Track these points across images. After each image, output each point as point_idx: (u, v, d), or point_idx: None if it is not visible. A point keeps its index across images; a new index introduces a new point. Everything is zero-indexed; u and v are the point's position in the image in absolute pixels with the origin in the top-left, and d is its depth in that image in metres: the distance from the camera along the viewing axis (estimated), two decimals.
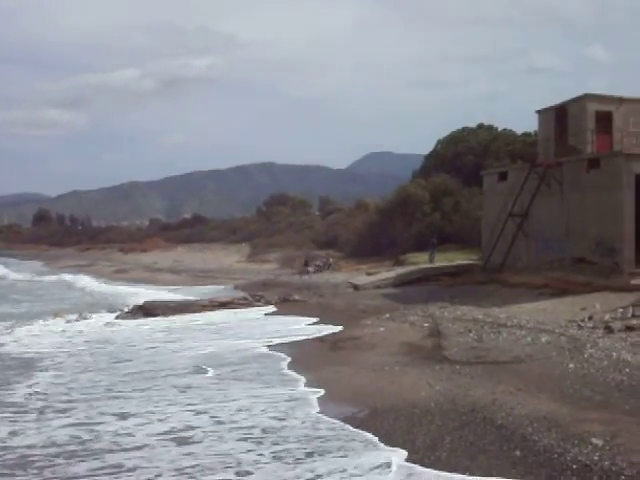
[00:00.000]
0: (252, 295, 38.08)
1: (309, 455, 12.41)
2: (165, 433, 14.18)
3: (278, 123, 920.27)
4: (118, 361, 22.52)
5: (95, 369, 21.27)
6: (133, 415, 15.70)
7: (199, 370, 20.44)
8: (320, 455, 12.39)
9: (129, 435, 14.13)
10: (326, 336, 25.11)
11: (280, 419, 14.79)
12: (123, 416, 15.61)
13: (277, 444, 13.12)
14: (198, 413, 15.56)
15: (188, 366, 21.08)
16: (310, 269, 51.55)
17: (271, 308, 34.62)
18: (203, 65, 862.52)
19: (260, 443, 13.23)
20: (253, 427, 14.27)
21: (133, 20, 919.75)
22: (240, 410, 15.67)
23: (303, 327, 28.02)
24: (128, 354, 23.78)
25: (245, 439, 13.54)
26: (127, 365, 21.83)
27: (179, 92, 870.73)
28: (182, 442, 13.55)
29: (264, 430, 14.02)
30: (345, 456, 12.28)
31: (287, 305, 35.02)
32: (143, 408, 16.28)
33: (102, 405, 16.68)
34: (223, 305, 35.18)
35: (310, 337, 25.25)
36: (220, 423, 14.75)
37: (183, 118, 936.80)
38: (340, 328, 26.46)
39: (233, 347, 24.00)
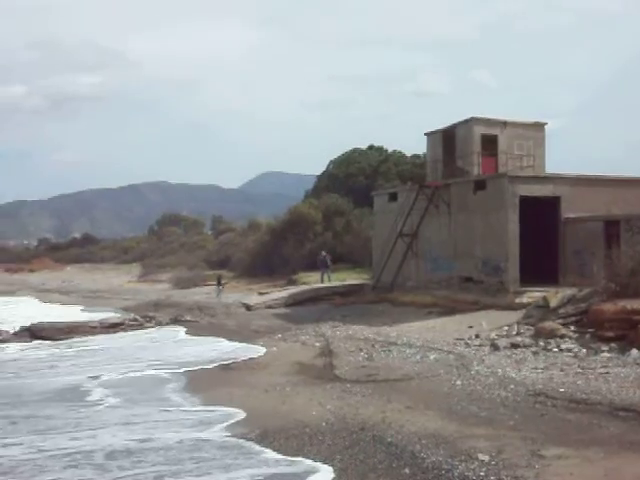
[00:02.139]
0: (143, 316, 37.57)
1: (158, 478, 11.77)
2: None
3: (171, 142, 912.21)
4: None
5: None
6: None
7: (62, 397, 18.70)
8: (173, 476, 11.85)
9: None
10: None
11: (142, 441, 13.91)
12: None
13: (125, 469, 12.23)
14: (7, 445, 13.77)
15: (49, 392, 19.35)
16: (221, 287, 51.04)
17: (171, 328, 34.18)
18: (94, 82, 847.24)
19: (102, 469, 12.22)
20: (93, 452, 13.14)
21: (15, 36, 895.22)
22: (73, 438, 14.10)
23: (205, 349, 27.24)
24: None
25: (76, 466, 12.38)
26: None
27: (69, 109, 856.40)
28: None
29: (110, 455, 13.01)
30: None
31: (185, 325, 34.58)
32: None
33: None
34: (114, 326, 34.43)
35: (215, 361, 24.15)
36: (42, 451, 13.19)
37: (74, 136, 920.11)
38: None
39: (119, 370, 22.85)
